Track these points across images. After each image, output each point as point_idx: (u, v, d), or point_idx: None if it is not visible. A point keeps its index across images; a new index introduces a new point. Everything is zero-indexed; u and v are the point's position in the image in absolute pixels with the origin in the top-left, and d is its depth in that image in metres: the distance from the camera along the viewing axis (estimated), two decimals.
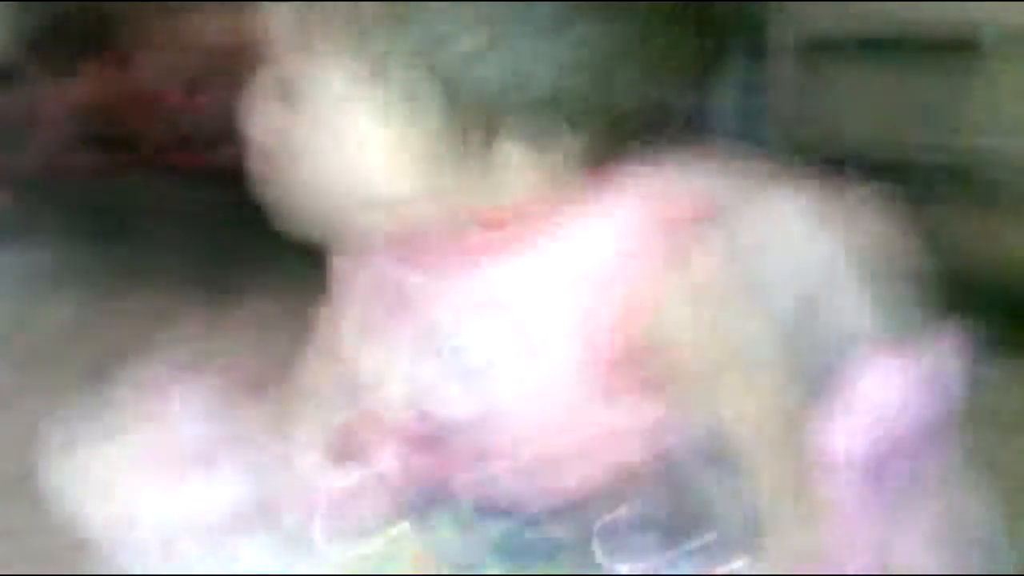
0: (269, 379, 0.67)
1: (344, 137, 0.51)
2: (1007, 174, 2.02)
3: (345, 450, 0.64)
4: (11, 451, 1.38)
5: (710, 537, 0.56)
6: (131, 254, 1.84)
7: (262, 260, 1.80)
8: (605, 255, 0.53)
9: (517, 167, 0.51)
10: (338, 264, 0.63)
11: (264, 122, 0.52)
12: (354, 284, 0.61)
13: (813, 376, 0.59)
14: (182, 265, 1.76)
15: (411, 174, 0.51)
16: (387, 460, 0.61)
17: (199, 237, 1.77)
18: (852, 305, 0.63)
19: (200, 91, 1.92)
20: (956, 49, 2.03)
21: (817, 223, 0.65)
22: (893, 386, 0.56)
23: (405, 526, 0.58)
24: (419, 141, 0.50)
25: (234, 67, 1.93)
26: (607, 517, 0.57)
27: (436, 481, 0.60)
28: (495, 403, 0.56)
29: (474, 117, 0.49)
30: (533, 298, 0.54)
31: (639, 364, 0.55)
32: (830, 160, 0.69)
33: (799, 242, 0.63)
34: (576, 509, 0.57)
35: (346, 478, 0.58)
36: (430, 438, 0.58)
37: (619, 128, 0.52)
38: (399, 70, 0.48)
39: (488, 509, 0.58)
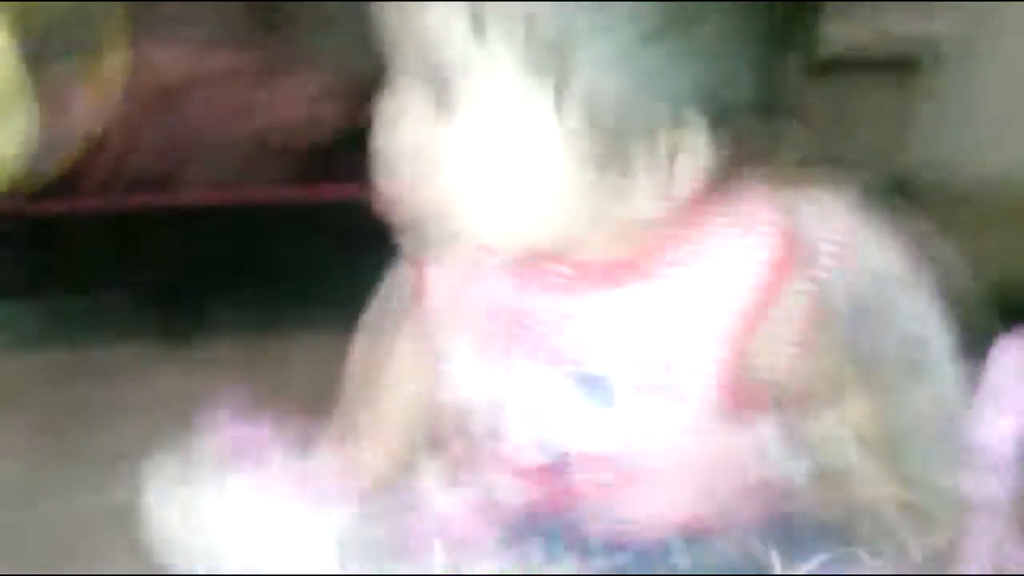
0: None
1: (511, 140, 0.47)
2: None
3: (452, 473, 0.62)
4: None
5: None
6: (93, 302, 1.81)
7: (225, 303, 1.78)
8: (739, 280, 0.52)
9: (664, 177, 0.48)
10: (433, 278, 0.60)
11: (408, 128, 0.49)
12: (459, 301, 0.58)
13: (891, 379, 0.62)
14: (145, 312, 1.72)
15: (570, 183, 0.48)
16: (499, 486, 0.59)
17: (162, 281, 1.74)
18: (919, 309, 0.64)
19: (149, 130, 1.91)
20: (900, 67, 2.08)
21: (876, 232, 0.65)
22: None
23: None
24: (584, 143, 0.47)
25: (188, 104, 1.90)
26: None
27: (550, 511, 0.58)
28: (628, 429, 0.54)
29: (642, 115, 0.46)
30: (668, 322, 0.53)
31: (762, 387, 0.56)
32: None
33: (870, 251, 0.64)
34: (692, 538, 0.58)
35: (454, 501, 0.57)
36: (551, 467, 0.56)
37: (765, 131, 0.50)
38: (573, 63, 0.45)
39: (606, 541, 0.58)
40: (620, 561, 0.57)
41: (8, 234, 1.62)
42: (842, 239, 0.64)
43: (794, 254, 0.53)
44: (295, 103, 1.91)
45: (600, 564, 0.57)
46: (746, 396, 0.56)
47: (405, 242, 0.60)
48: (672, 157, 0.47)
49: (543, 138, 0.46)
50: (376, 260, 1.81)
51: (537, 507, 0.58)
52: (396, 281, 0.73)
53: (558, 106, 0.45)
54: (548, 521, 0.58)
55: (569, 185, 0.48)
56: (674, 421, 0.54)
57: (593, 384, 0.54)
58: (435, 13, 0.46)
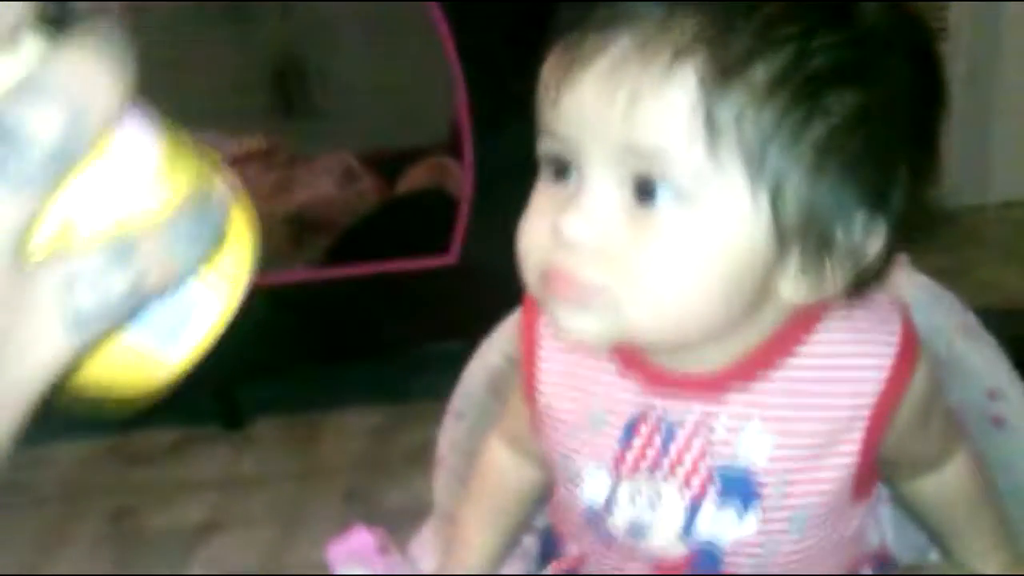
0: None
1: (716, 235, 0.47)
2: None
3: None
4: None
5: None
6: None
7: (268, 382, 1.79)
8: (874, 370, 0.54)
9: (833, 268, 0.49)
10: (548, 379, 0.60)
11: (588, 219, 0.48)
12: (578, 405, 0.59)
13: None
14: (197, 394, 1.74)
15: (755, 276, 0.49)
16: None
17: (199, 367, 1.77)
18: (988, 362, 0.68)
19: None
20: None
21: (933, 288, 0.70)
22: None
23: None
24: (781, 238, 0.48)
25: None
26: None
27: None
28: (772, 518, 0.55)
29: (832, 209, 0.48)
30: (808, 413, 0.54)
31: (879, 465, 0.58)
32: None
33: (933, 308, 0.68)
34: None
35: None
36: (694, 558, 0.57)
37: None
38: (786, 158, 0.46)
39: None
40: None
41: None
42: (899, 294, 0.67)
43: (916, 339, 0.55)
44: (324, 184, 1.96)
45: None
46: (870, 478, 0.58)
47: (521, 333, 0.61)
48: (854, 247, 0.49)
49: (749, 233, 0.47)
50: (411, 337, 1.82)
51: None
52: (489, 368, 0.74)
53: (774, 200, 0.47)
54: None
55: (756, 278, 0.49)
56: (813, 507, 0.55)
57: (737, 477, 0.55)
58: (665, 125, 0.46)
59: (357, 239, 1.78)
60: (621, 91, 0.45)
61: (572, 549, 0.65)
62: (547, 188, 0.51)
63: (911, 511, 0.65)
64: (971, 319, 0.70)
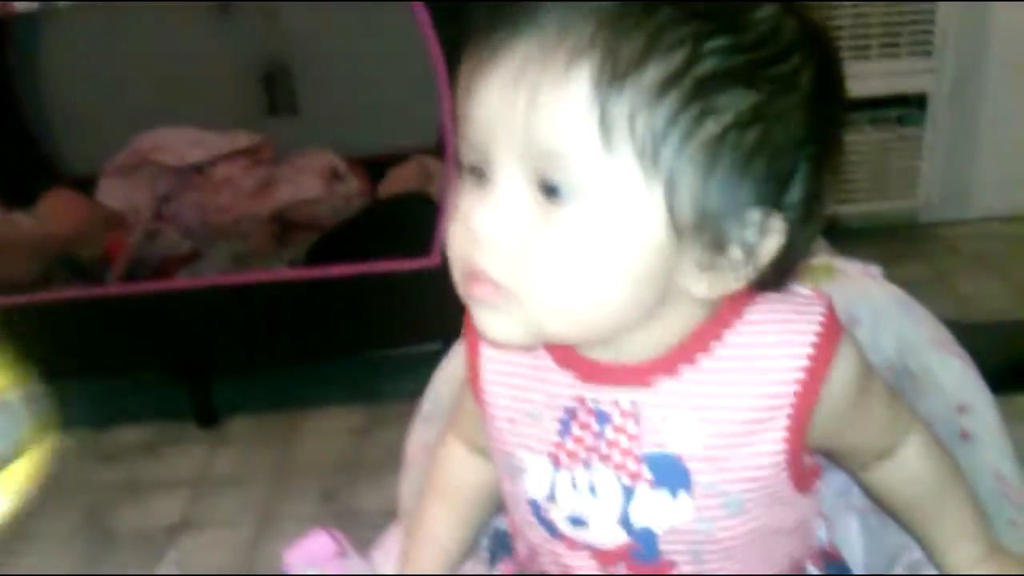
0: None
1: (617, 232, 0.49)
2: None
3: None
4: None
5: None
6: (112, 387, 1.83)
7: (242, 382, 1.80)
8: (796, 354, 0.54)
9: (740, 260, 0.51)
10: (490, 373, 0.62)
11: (500, 218, 0.49)
12: (518, 396, 0.60)
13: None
14: (174, 391, 1.73)
15: (660, 270, 0.50)
16: (579, 569, 0.60)
17: (177, 364, 1.77)
18: (957, 376, 0.69)
19: (163, 215, 1.94)
20: None
21: (903, 299, 0.71)
22: None
23: None
24: (682, 232, 0.49)
25: (196, 190, 1.93)
26: None
27: None
28: (705, 506, 0.56)
29: (730, 202, 0.49)
30: (734, 400, 0.55)
31: (818, 455, 0.59)
32: None
33: (899, 318, 0.70)
34: None
35: None
36: (632, 546, 0.58)
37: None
38: (681, 153, 0.47)
39: None
40: None
41: (32, 315, 1.65)
42: (872, 306, 0.69)
43: (838, 325, 0.55)
44: (309, 183, 1.95)
45: None
46: (808, 468, 0.59)
47: (464, 332, 0.63)
48: (749, 242, 0.50)
49: (647, 229, 0.48)
50: (392, 338, 1.82)
51: None
52: (457, 371, 0.74)
53: (669, 197, 0.48)
54: None
55: (658, 273, 0.50)
56: (748, 493, 0.56)
57: (669, 466, 0.56)
58: (562, 125, 0.47)
59: (339, 240, 1.78)
60: (521, 94, 0.47)
61: (520, 547, 0.66)
62: (469, 193, 0.52)
63: (882, 506, 0.65)
64: (943, 332, 0.70)
